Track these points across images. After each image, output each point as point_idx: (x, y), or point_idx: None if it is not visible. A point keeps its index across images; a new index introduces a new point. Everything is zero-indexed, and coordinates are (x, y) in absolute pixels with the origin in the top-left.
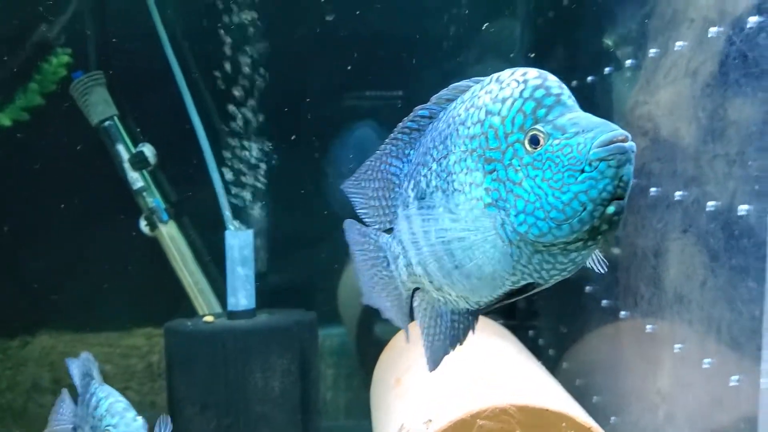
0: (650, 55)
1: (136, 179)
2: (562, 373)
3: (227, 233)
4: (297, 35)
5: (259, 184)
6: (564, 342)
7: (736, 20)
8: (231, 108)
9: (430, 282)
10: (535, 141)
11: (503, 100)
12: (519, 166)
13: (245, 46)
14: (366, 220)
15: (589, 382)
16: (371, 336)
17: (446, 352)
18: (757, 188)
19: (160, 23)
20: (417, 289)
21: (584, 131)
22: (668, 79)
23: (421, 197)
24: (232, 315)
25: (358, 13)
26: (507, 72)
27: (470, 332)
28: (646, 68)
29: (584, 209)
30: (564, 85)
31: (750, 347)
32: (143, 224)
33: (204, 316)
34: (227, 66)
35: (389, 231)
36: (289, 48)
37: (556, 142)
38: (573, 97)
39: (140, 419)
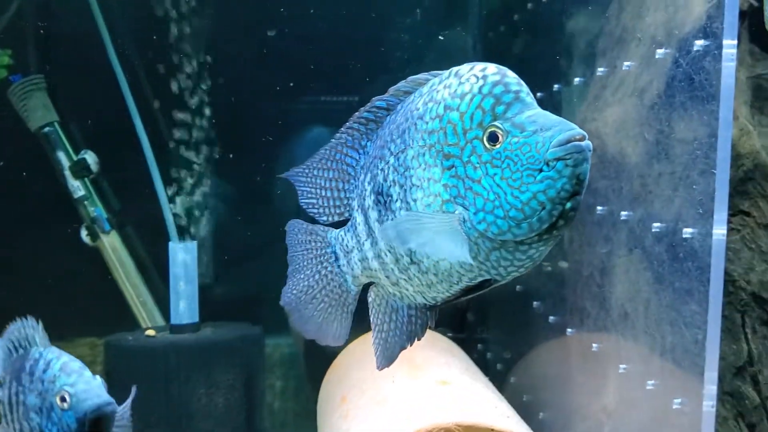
0: (598, 72)
1: (78, 188)
2: (509, 389)
3: (171, 245)
4: (246, 42)
5: (204, 194)
6: (512, 357)
7: (682, 42)
8: (177, 115)
9: (386, 277)
10: (493, 138)
11: (462, 96)
12: (478, 163)
13: (193, 52)
14: (311, 211)
15: (536, 399)
16: (319, 347)
17: (403, 347)
18: (701, 212)
19: (104, 27)
20: (369, 284)
21: (542, 130)
22: (616, 97)
23: (378, 191)
24: (175, 329)
25: (309, 18)
26: (466, 66)
27: (428, 327)
28: (594, 85)
29: (543, 208)
30: (522, 82)
31: (693, 371)
32: (84, 234)
33: (146, 329)
34: (173, 72)
35: (336, 224)
36: (238, 55)
37: (515, 140)
38: (531, 94)
39: (99, 378)
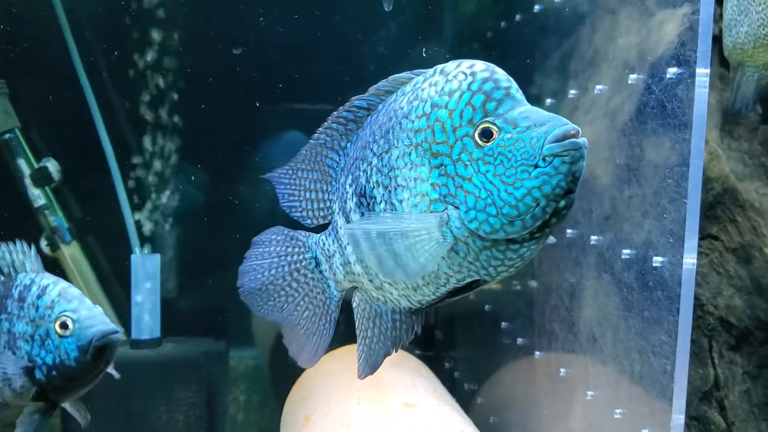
0: (570, 94)
1: (38, 196)
2: (476, 409)
3: (133, 258)
4: (216, 49)
5: (168, 204)
6: (480, 377)
7: (655, 67)
8: (142, 123)
9: (370, 281)
10: (487, 134)
11: (450, 93)
12: (469, 160)
13: (161, 57)
14: (294, 214)
15: (503, 420)
16: (285, 360)
17: (387, 353)
18: (671, 241)
19: (69, 31)
20: (353, 288)
21: (536, 125)
22: (587, 118)
23: (360, 193)
24: (136, 344)
25: (280, 31)
26: (452, 64)
27: (414, 332)
28: (566, 107)
29: (537, 205)
30: (511, 78)
31: (661, 400)
32: (44, 244)
33: None
34: (140, 78)
35: (317, 228)
36: (207, 62)
37: (508, 136)
38: (520, 91)
39: (99, 307)
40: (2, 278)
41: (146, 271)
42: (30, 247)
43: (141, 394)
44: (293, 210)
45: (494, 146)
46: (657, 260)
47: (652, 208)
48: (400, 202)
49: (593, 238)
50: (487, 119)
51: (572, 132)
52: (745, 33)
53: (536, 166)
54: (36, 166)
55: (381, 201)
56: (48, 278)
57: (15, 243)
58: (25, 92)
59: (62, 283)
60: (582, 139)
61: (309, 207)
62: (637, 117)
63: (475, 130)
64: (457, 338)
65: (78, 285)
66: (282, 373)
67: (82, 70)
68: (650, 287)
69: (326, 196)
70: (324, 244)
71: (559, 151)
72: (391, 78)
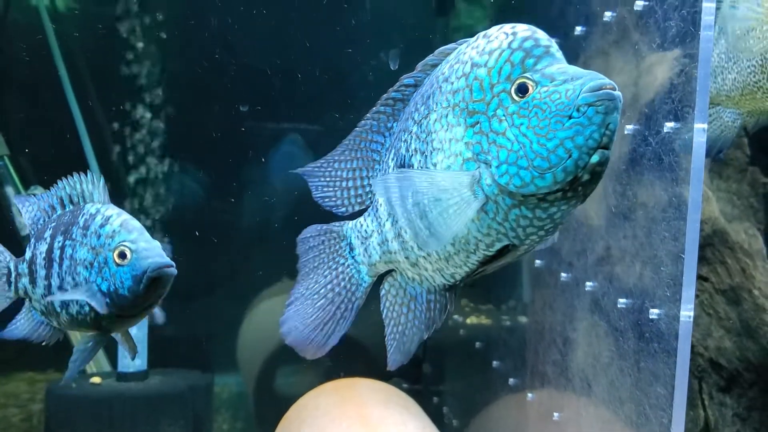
0: None
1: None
2: None
3: None
4: (205, 71)
5: (158, 231)
6: (469, 414)
7: (651, 120)
8: (132, 148)
9: (406, 258)
10: (523, 89)
11: (490, 52)
12: (504, 115)
13: (150, 83)
14: (328, 204)
15: None
16: (269, 387)
17: (421, 338)
18: (669, 294)
19: (60, 58)
20: (384, 276)
21: (573, 79)
22: None
23: (400, 164)
24: (122, 377)
25: (277, 52)
26: (495, 27)
27: (447, 311)
28: None
29: (569, 156)
30: (552, 40)
31: None
32: None
33: (91, 376)
34: (129, 105)
35: (353, 215)
36: (196, 85)
37: (544, 89)
38: (561, 51)
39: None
40: (71, 207)
41: None
42: (99, 179)
43: (126, 429)
44: (326, 200)
45: (530, 99)
46: (654, 312)
47: (649, 259)
48: (434, 165)
49: (588, 284)
50: (524, 75)
51: (608, 85)
52: (733, 80)
53: (570, 117)
54: (24, 194)
55: (418, 168)
56: (112, 209)
57: (86, 174)
58: (13, 120)
59: (125, 215)
60: (617, 92)
61: (345, 195)
62: (632, 167)
63: (512, 86)
64: (447, 373)
65: None
66: (267, 400)
67: (73, 98)
68: (646, 339)
69: (366, 182)
70: (362, 226)
71: (593, 100)
72: (437, 51)
